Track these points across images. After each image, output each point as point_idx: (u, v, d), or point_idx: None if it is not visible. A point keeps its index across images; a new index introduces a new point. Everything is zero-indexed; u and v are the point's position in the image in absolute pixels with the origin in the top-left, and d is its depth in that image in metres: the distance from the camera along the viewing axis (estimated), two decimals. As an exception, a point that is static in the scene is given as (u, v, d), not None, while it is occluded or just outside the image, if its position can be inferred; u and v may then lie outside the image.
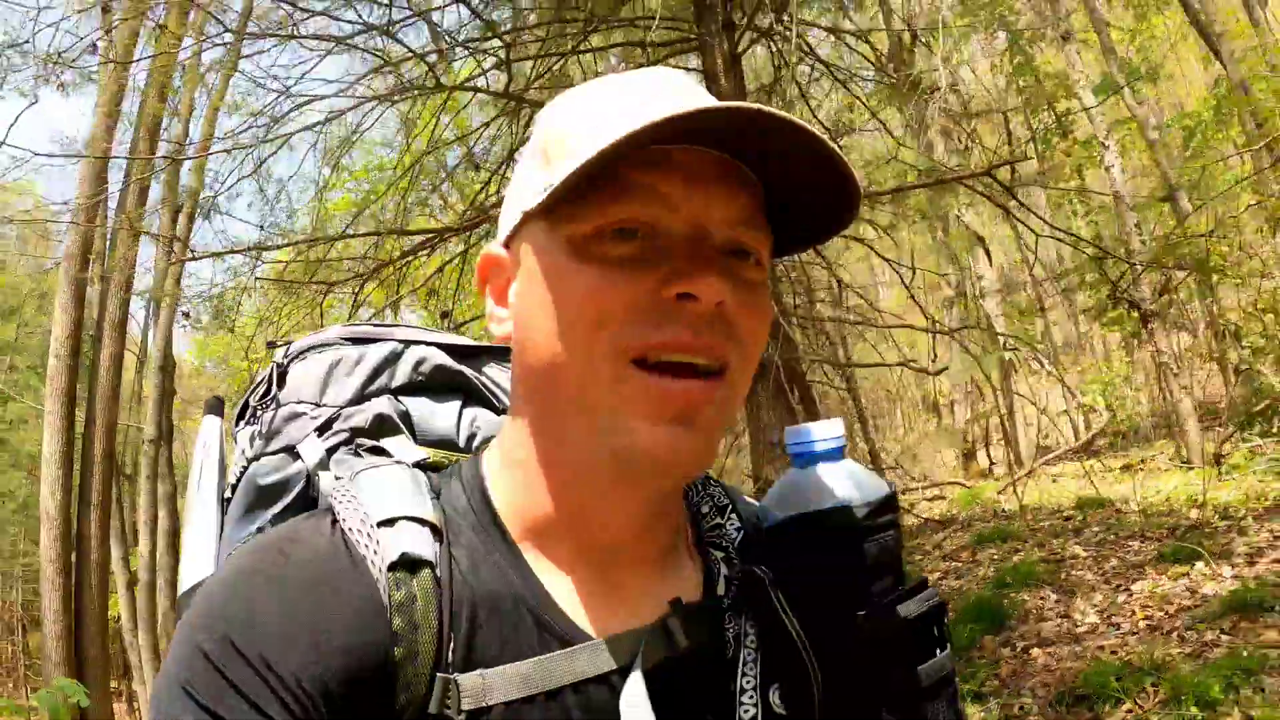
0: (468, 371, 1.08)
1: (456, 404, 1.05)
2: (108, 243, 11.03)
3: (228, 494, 0.99)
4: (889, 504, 0.88)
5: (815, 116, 8.03)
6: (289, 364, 1.04)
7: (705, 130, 0.72)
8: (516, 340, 0.83)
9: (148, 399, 14.39)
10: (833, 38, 8.14)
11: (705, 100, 0.79)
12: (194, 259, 7.41)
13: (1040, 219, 7.10)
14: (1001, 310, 17.60)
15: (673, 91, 0.81)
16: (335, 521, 0.79)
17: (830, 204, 0.80)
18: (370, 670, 0.72)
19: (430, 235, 6.50)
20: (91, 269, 10.02)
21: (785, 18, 6.77)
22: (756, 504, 0.97)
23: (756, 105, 0.69)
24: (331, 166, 7.06)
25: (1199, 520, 7.85)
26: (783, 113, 0.70)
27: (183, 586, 0.93)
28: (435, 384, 1.06)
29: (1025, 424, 18.25)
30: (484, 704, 0.74)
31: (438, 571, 0.78)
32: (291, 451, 0.95)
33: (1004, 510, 11.21)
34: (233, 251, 6.57)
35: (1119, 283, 7.73)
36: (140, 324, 18.06)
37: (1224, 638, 5.08)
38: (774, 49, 7.47)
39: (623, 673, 0.79)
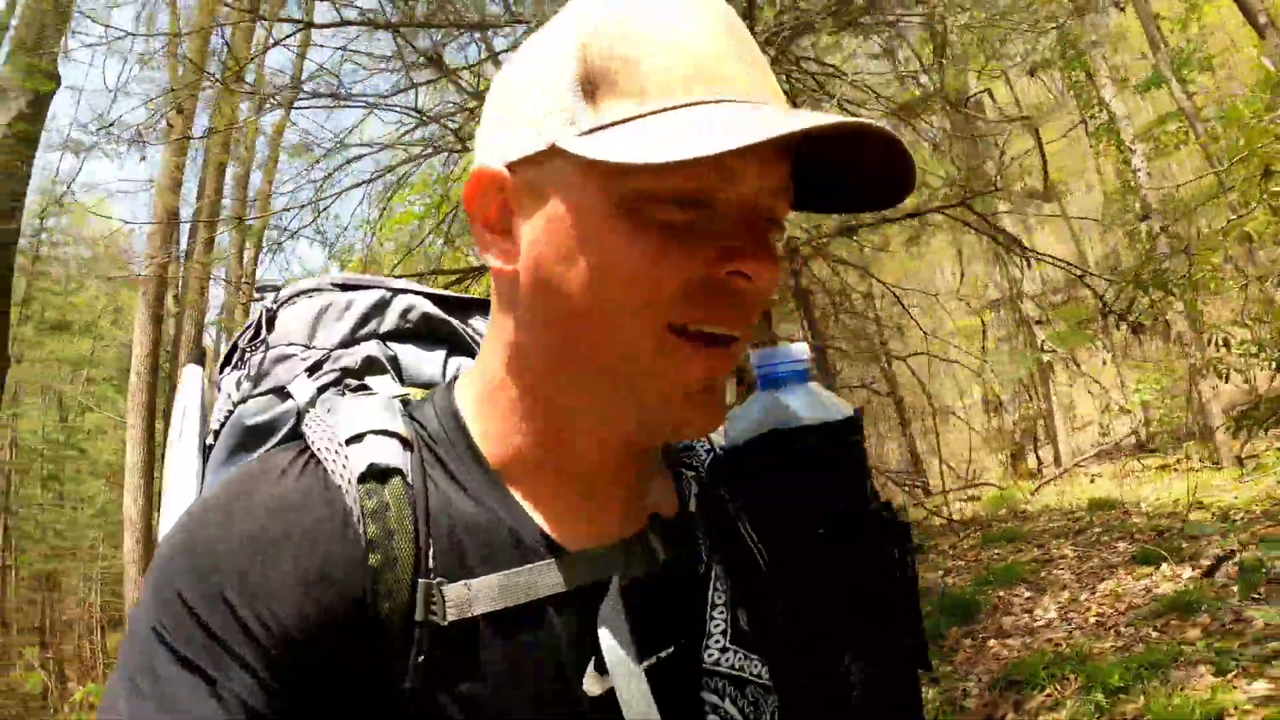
0: (454, 322, 1.07)
1: (442, 352, 1.05)
2: (181, 271, 11.97)
3: (210, 440, 0.97)
4: (852, 425, 0.90)
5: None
6: (279, 308, 1.03)
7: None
8: (531, 283, 0.78)
9: (220, 411, 15.27)
10: (859, 47, 8.26)
11: (776, 96, 0.77)
12: (259, 300, 8.22)
13: (1020, 243, 7.66)
14: (1041, 313, 17.77)
15: (738, 41, 0.77)
16: (306, 448, 0.79)
17: (878, 184, 0.79)
18: (349, 585, 0.71)
19: (466, 272, 7.24)
20: (167, 300, 10.99)
21: (786, 58, 7.23)
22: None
23: (862, 121, 0.69)
24: (380, 211, 7.85)
25: (1191, 522, 8.19)
26: (876, 124, 0.70)
27: (161, 534, 0.85)
28: (422, 332, 1.05)
29: (1083, 422, 18.28)
30: (468, 614, 0.73)
31: (409, 479, 0.77)
32: (280, 393, 0.94)
33: (1024, 512, 11.59)
34: (292, 289, 7.42)
35: (1103, 297, 8.24)
36: (213, 339, 19.04)
37: (1154, 634, 5.61)
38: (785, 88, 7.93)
39: (601, 585, 0.78)
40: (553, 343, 0.79)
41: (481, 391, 0.86)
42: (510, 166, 0.78)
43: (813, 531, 0.87)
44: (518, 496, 0.82)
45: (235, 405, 0.95)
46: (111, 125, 5.96)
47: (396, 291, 1.07)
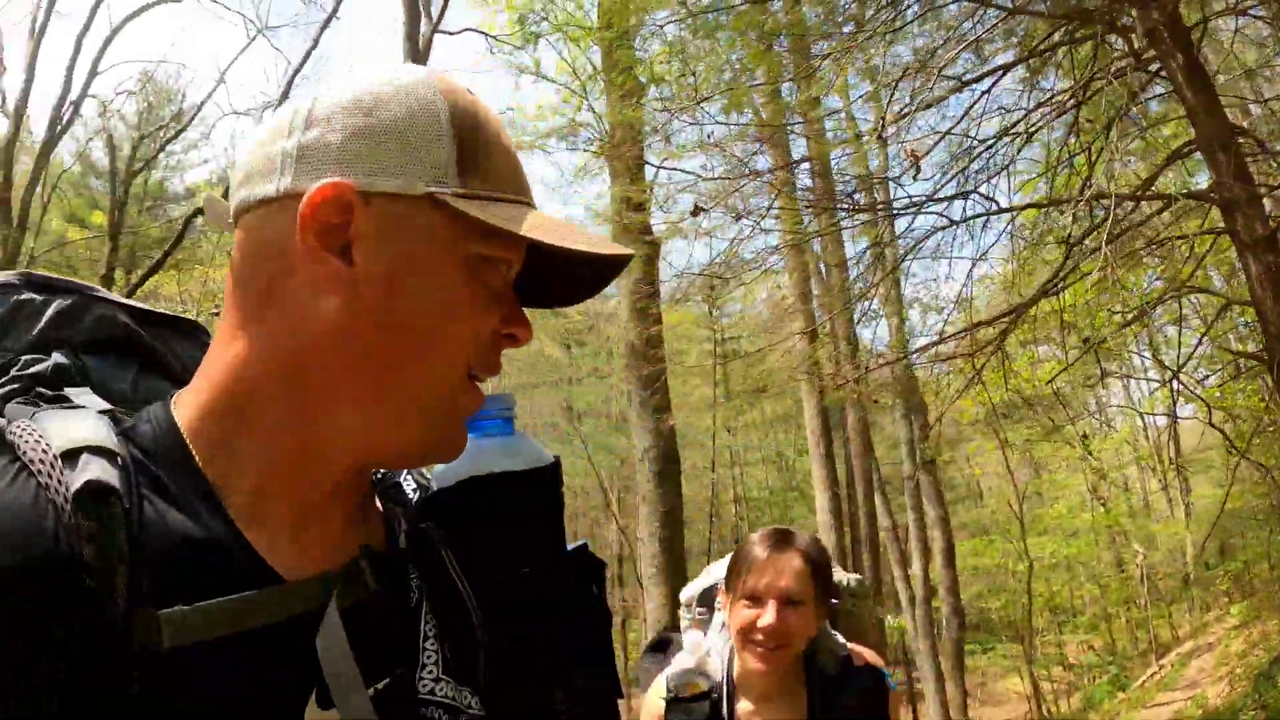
0: (148, 338, 1.02)
1: (132, 370, 0.99)
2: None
3: None
4: (551, 473, 0.97)
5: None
6: None
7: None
8: (372, 308, 0.80)
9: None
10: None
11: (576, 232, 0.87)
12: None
13: None
14: None
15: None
16: (16, 459, 0.74)
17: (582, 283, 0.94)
18: (59, 610, 0.68)
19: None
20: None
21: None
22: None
23: (621, 255, 0.86)
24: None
25: None
26: (629, 254, 0.88)
27: None
28: (115, 344, 0.99)
29: None
30: (183, 642, 0.71)
31: (126, 503, 0.74)
32: None
33: None
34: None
35: None
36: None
37: None
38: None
39: (316, 615, 0.78)
40: (362, 366, 0.81)
41: (217, 404, 0.83)
42: (364, 195, 0.80)
43: (518, 571, 0.91)
44: (237, 520, 0.80)
45: None
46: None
47: (94, 299, 1.00)
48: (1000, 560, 22.96)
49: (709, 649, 2.40)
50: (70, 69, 14.77)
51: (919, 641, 16.33)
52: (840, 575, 2.65)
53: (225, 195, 0.93)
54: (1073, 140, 7.64)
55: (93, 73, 15.39)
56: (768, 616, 2.19)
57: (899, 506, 19.07)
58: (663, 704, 2.34)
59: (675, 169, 9.10)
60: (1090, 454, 20.14)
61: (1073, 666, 21.59)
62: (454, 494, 0.93)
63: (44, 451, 0.74)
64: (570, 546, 0.99)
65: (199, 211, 12.98)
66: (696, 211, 7.26)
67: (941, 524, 16.68)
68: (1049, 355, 10.41)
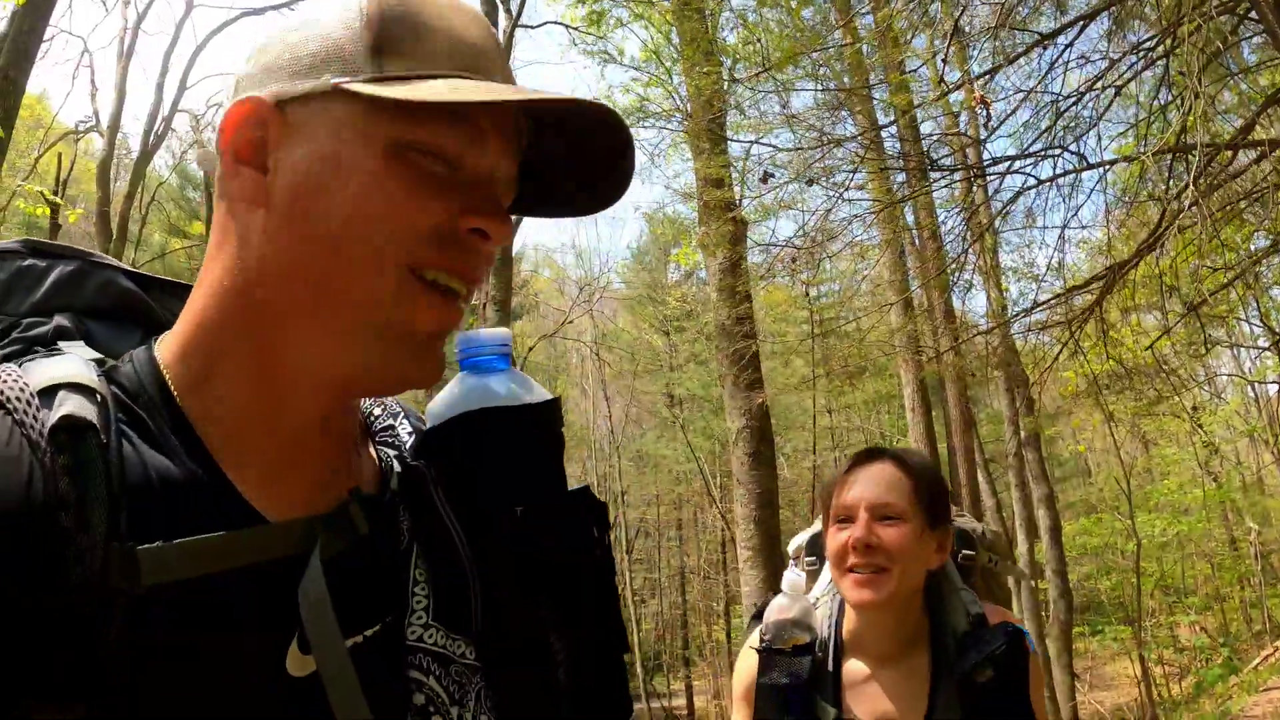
0: (153, 304, 1.01)
1: (137, 335, 0.96)
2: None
3: None
4: (549, 409, 0.94)
5: None
6: None
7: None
8: (285, 217, 0.79)
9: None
10: None
11: (518, 89, 0.82)
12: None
13: None
14: None
15: (493, 39, 0.87)
16: None
17: (596, 184, 0.90)
18: (35, 545, 0.66)
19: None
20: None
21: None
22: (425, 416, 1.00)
23: (601, 106, 0.80)
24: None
25: None
26: (598, 102, 0.80)
27: None
28: (118, 309, 0.98)
29: None
30: (164, 579, 0.69)
31: (104, 438, 0.72)
32: None
33: None
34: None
35: None
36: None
37: None
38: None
39: (302, 558, 0.77)
40: (296, 279, 0.79)
41: (192, 340, 0.83)
42: (278, 104, 0.79)
43: (512, 509, 0.89)
44: (219, 458, 0.79)
45: None
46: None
47: (97, 265, 0.99)
48: (1109, 539, 22.30)
49: (816, 599, 2.13)
50: (160, 85, 15.40)
51: (1026, 624, 15.91)
52: (974, 524, 2.30)
53: None
54: (1164, 94, 7.43)
55: (182, 87, 16.02)
56: (856, 529, 1.92)
57: (1003, 485, 18.66)
58: (756, 656, 2.06)
59: (754, 142, 9.12)
60: (1200, 426, 19.52)
61: (1184, 649, 20.86)
62: (445, 431, 0.93)
63: (21, 389, 0.73)
64: (573, 488, 0.97)
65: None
66: (765, 178, 7.29)
67: (1047, 502, 16.22)
68: (1154, 325, 10.17)
